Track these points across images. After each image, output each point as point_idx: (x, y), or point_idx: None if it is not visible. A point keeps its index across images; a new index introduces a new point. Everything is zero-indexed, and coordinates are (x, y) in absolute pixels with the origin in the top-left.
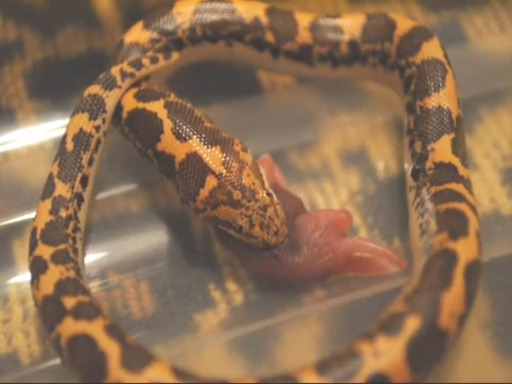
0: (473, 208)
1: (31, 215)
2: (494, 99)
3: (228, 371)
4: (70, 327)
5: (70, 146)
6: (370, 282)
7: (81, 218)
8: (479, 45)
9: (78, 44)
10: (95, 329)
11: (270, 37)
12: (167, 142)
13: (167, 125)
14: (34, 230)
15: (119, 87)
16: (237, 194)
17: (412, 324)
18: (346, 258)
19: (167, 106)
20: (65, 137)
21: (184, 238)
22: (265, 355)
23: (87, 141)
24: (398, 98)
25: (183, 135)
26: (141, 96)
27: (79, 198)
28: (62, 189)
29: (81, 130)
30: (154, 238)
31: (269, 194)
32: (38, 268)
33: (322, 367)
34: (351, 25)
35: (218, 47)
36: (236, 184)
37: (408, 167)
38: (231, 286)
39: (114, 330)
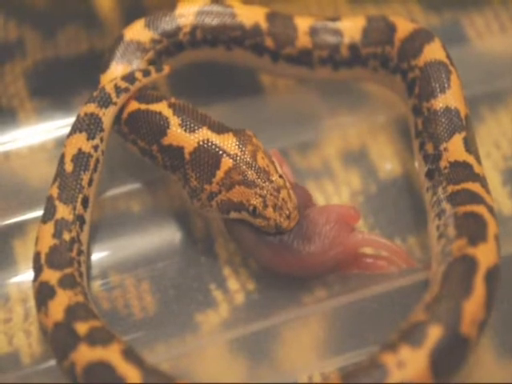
0: (490, 209)
1: (32, 215)
2: (495, 99)
3: (229, 371)
4: (85, 354)
5: (68, 166)
6: (371, 282)
7: (83, 241)
8: (480, 45)
9: (79, 43)
10: (112, 354)
11: (269, 42)
12: (175, 136)
13: (174, 121)
14: (38, 254)
15: (115, 104)
16: (251, 174)
17: (434, 333)
18: (355, 251)
19: (171, 106)
20: (63, 158)
21: (185, 237)
22: (266, 355)
23: (86, 161)
24: (399, 99)
25: (192, 127)
26: (142, 99)
27: (81, 220)
28: (63, 211)
29: (79, 150)
30: (155, 238)
31: (281, 177)
32: (45, 294)
33: (347, 378)
34: (351, 28)
35: (217, 51)
36: (250, 165)
37: (421, 169)
38: (232, 285)
39: (131, 355)
